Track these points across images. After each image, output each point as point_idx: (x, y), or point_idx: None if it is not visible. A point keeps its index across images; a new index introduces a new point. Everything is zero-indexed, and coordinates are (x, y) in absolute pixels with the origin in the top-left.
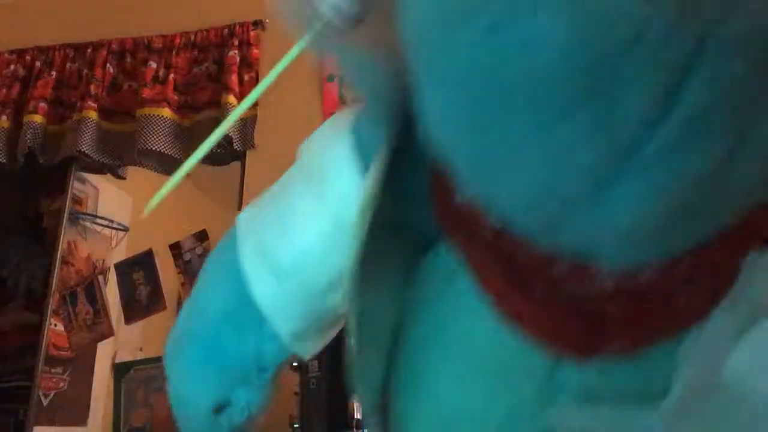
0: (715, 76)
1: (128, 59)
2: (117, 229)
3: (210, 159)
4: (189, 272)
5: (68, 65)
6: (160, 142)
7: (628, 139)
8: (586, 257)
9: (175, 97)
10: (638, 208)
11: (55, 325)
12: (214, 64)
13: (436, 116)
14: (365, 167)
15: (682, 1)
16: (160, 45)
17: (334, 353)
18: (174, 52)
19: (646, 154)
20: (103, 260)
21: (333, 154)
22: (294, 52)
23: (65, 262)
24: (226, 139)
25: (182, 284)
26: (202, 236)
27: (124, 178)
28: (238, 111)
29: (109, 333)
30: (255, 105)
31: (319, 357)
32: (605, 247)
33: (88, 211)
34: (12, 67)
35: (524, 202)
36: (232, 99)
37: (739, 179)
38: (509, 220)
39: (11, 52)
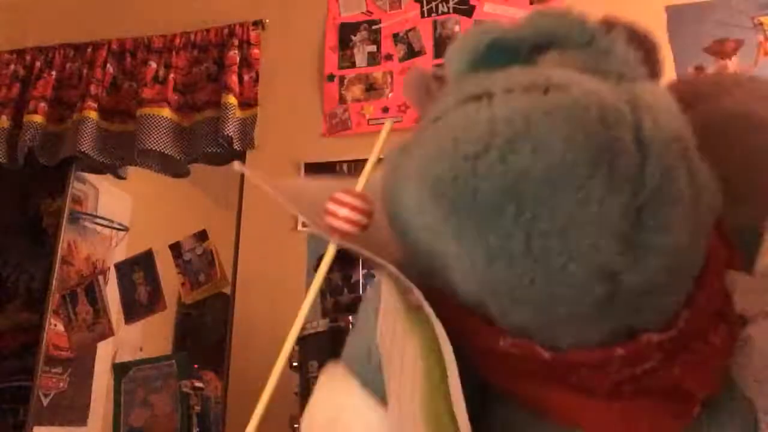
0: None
1: (128, 59)
2: (117, 229)
3: (210, 159)
4: (189, 272)
5: (68, 65)
6: (160, 142)
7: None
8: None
9: (175, 97)
10: (646, 279)
11: (55, 325)
12: (214, 64)
13: (473, 274)
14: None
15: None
16: (160, 45)
17: (333, 353)
18: (174, 52)
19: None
20: (103, 260)
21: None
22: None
23: (65, 262)
24: (226, 139)
25: (182, 284)
26: (202, 236)
27: (124, 178)
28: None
29: (109, 333)
30: (255, 105)
31: (319, 357)
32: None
33: (88, 211)
34: (12, 67)
35: (554, 316)
36: (232, 99)
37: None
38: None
39: (11, 52)
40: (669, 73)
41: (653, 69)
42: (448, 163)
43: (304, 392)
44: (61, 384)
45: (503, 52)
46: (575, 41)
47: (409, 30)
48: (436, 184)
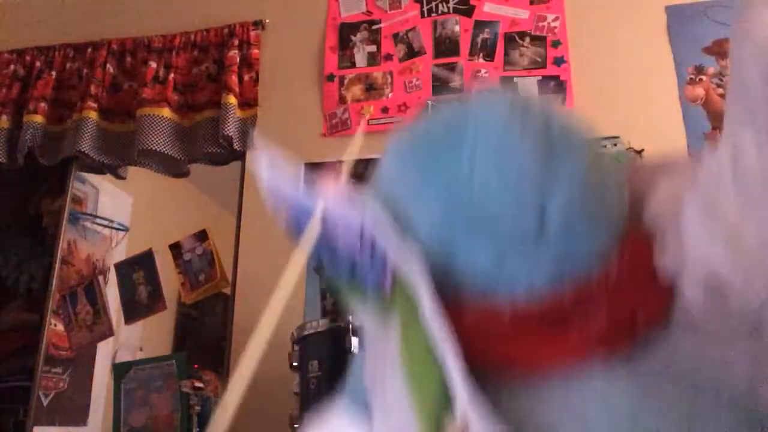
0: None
1: (128, 59)
2: (117, 229)
3: (210, 159)
4: (189, 272)
5: (68, 65)
6: (160, 142)
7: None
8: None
9: (175, 97)
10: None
11: (55, 325)
12: (214, 64)
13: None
14: None
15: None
16: (160, 45)
17: (333, 353)
18: (174, 52)
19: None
20: (103, 260)
21: None
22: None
23: (65, 262)
24: (226, 139)
25: (182, 284)
26: (202, 236)
27: (124, 178)
28: None
29: (109, 333)
30: (255, 105)
31: (319, 357)
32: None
33: (88, 211)
34: (12, 67)
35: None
36: (232, 99)
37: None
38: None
39: (11, 52)
40: (669, 73)
41: None
42: (407, 131)
43: (304, 392)
44: (61, 384)
45: None
46: None
47: (409, 30)
48: (396, 145)
